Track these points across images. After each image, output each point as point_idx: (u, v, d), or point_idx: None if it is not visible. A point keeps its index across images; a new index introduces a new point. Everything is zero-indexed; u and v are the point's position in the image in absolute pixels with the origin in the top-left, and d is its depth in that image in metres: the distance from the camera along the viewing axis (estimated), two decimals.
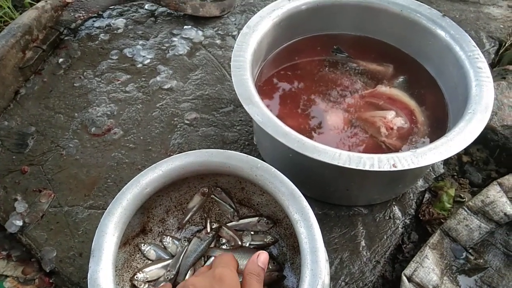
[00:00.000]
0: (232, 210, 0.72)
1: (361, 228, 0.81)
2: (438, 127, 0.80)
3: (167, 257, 0.70)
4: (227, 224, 0.73)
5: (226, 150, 0.65)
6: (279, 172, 0.62)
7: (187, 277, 0.67)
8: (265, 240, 0.71)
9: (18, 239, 0.83)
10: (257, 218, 0.72)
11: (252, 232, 0.72)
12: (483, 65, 0.77)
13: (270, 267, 0.67)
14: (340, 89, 0.86)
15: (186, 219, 0.72)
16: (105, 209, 0.60)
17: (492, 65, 1.10)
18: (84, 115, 0.99)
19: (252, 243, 0.71)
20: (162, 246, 0.71)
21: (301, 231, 0.57)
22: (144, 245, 0.69)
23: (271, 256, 0.71)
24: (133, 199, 0.61)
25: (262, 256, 0.52)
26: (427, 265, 0.76)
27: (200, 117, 0.98)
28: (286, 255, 0.71)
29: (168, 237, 0.71)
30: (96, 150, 0.93)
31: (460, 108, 0.74)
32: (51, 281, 0.80)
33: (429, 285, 0.74)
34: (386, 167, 0.63)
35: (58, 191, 0.87)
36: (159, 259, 0.69)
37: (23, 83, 1.05)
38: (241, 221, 0.72)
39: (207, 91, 1.03)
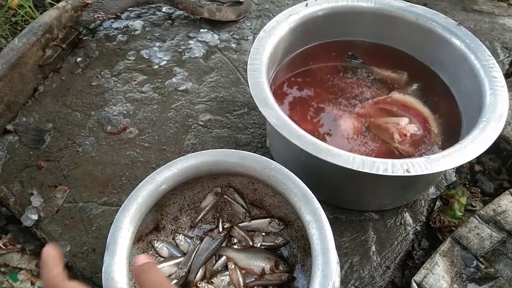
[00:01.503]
0: (244, 210, 0.73)
1: (372, 233, 0.81)
2: (452, 135, 0.80)
3: (179, 255, 0.71)
4: (239, 224, 0.73)
5: (240, 151, 0.66)
6: (292, 174, 0.63)
7: (198, 275, 0.68)
8: (276, 241, 0.72)
9: (33, 232, 0.84)
10: (268, 219, 0.73)
11: (263, 233, 0.73)
12: (498, 74, 0.77)
13: (281, 268, 0.68)
14: (354, 95, 0.87)
15: (199, 218, 0.73)
16: (119, 206, 0.61)
17: (506, 76, 1.10)
18: (101, 113, 1.01)
19: (263, 243, 0.72)
20: (175, 244, 0.72)
21: (312, 232, 0.57)
22: (157, 242, 0.70)
23: (282, 257, 0.71)
24: (148, 195, 0.63)
25: (136, 259, 0.46)
26: (437, 272, 0.76)
27: (214, 119, 0.99)
28: (297, 257, 0.71)
29: (181, 235, 0.72)
30: (112, 148, 0.95)
31: (474, 117, 0.75)
32: None
33: None
34: (400, 172, 0.63)
35: (73, 187, 0.89)
36: (171, 257, 0.70)
37: (42, 80, 1.07)
38: (253, 221, 0.73)
39: (221, 94, 1.04)
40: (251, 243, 0.71)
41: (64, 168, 0.92)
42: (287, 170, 0.63)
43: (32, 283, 0.81)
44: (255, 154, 0.65)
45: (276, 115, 0.71)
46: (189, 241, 0.72)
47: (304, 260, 0.70)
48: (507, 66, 1.13)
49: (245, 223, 0.74)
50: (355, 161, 0.64)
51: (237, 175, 0.69)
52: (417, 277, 0.75)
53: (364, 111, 0.84)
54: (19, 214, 0.86)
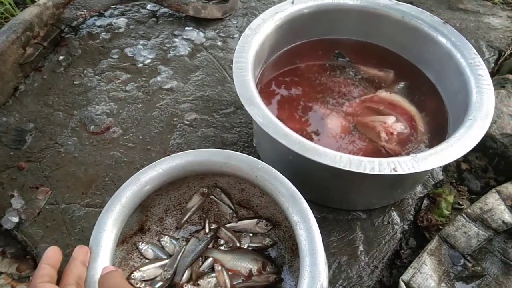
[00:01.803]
0: (231, 211, 0.72)
1: (360, 232, 0.81)
2: (438, 133, 0.80)
3: (164, 257, 0.69)
4: (226, 225, 0.72)
5: (226, 150, 0.65)
6: (279, 174, 0.62)
7: (184, 277, 0.67)
8: (263, 242, 0.71)
9: (14, 235, 0.82)
10: (256, 220, 0.72)
11: (250, 234, 0.72)
12: (484, 72, 0.77)
13: (268, 269, 0.67)
14: (341, 94, 0.86)
15: (185, 219, 0.72)
16: (103, 208, 0.60)
17: (491, 74, 1.11)
18: (83, 113, 0.99)
19: (250, 244, 0.71)
20: (160, 246, 0.70)
21: (300, 233, 0.56)
22: (141, 244, 0.69)
23: (269, 258, 0.70)
24: (132, 196, 0.61)
25: (103, 270, 0.50)
26: (425, 271, 0.76)
27: (200, 118, 0.98)
28: (284, 258, 0.70)
29: (166, 236, 0.71)
30: (95, 148, 0.93)
31: (460, 115, 0.75)
32: None
33: None
34: (387, 171, 0.63)
35: (55, 188, 0.87)
36: (156, 258, 0.69)
37: (22, 79, 1.05)
38: (240, 222, 0.72)
39: (207, 92, 1.03)
40: (238, 244, 0.70)
41: (45, 169, 0.89)
42: (275, 170, 0.62)
43: (13, 287, 0.79)
44: (241, 153, 0.64)
45: (262, 113, 0.70)
46: (175, 242, 0.71)
47: (292, 261, 0.69)
48: (493, 65, 1.13)
49: (232, 224, 0.72)
50: (342, 160, 0.64)
51: (224, 175, 0.68)
52: (405, 277, 0.75)
53: (351, 110, 0.84)
54: None
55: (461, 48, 0.81)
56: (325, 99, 0.85)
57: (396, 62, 0.92)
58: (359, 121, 0.82)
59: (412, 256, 0.82)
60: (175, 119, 0.98)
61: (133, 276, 0.64)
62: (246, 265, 0.67)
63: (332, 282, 0.75)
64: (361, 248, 0.79)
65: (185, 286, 0.65)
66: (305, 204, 0.58)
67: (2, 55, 0.97)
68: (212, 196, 0.72)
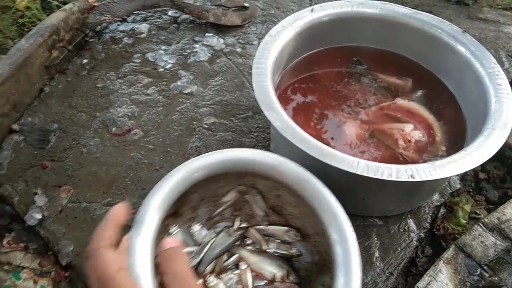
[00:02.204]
0: (263, 214, 0.72)
1: (376, 239, 0.81)
2: (456, 142, 0.80)
3: (192, 244, 0.70)
4: (256, 227, 0.73)
5: (280, 156, 0.65)
6: (325, 189, 0.62)
7: (208, 268, 0.68)
8: (290, 251, 0.71)
9: (37, 232, 0.84)
10: (286, 228, 0.72)
11: (278, 240, 0.72)
12: (504, 82, 0.77)
13: (292, 279, 0.67)
14: (359, 101, 0.87)
15: (218, 211, 0.72)
16: None
17: (511, 84, 1.10)
18: (106, 115, 1.01)
19: (276, 251, 0.71)
20: (190, 233, 0.71)
21: (338, 252, 0.57)
22: (173, 228, 0.69)
23: (293, 268, 0.70)
24: (183, 179, 0.62)
25: (163, 243, 0.44)
26: (441, 280, 0.76)
27: (218, 122, 1.00)
28: (308, 271, 0.70)
29: (197, 225, 0.72)
30: (116, 150, 0.95)
31: (478, 124, 0.75)
32: (66, 274, 0.81)
33: None
34: (404, 178, 0.63)
35: (77, 187, 0.89)
36: (184, 245, 0.70)
37: (47, 81, 1.08)
38: (270, 227, 0.72)
39: (226, 97, 1.05)
40: (264, 248, 0.71)
41: (68, 169, 0.92)
42: (322, 185, 0.62)
43: (35, 282, 0.81)
44: (294, 162, 0.64)
45: (280, 118, 0.71)
46: (204, 233, 0.71)
47: (314, 276, 0.68)
48: None
49: (262, 227, 0.73)
50: (360, 166, 0.64)
51: (264, 178, 0.68)
52: (421, 284, 0.75)
53: (369, 117, 0.84)
54: (23, 213, 0.86)
55: (480, 57, 0.81)
56: (343, 106, 0.86)
57: (415, 71, 0.92)
58: (377, 128, 0.82)
59: (427, 264, 0.81)
60: (194, 122, 1.00)
61: None
62: (271, 269, 0.67)
63: None
64: (376, 254, 0.79)
65: (208, 276, 0.65)
66: (347, 226, 0.59)
67: (29, 58, 1.00)
68: (247, 196, 0.72)
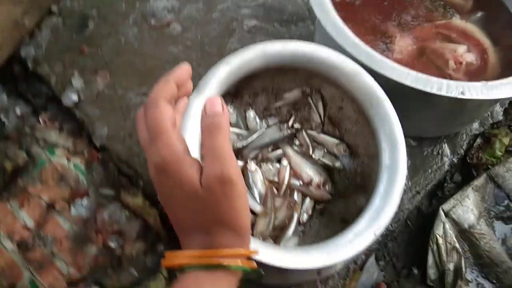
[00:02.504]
0: (320, 121, 0.72)
1: (407, 158, 0.80)
2: (510, 70, 0.76)
3: (243, 127, 0.71)
4: (308, 131, 0.73)
5: (359, 66, 0.62)
6: (394, 114, 0.60)
7: (252, 154, 0.69)
8: (334, 163, 0.71)
9: (72, 113, 0.86)
10: (338, 141, 0.71)
11: (325, 150, 0.72)
12: None
13: (327, 188, 0.68)
14: (414, 15, 0.82)
15: (277, 105, 0.72)
16: None
17: None
18: (146, 6, 0.98)
19: (321, 159, 0.71)
20: (244, 116, 0.72)
21: (384, 177, 0.57)
22: (230, 106, 0.70)
23: (332, 180, 0.71)
24: (250, 60, 0.62)
25: (208, 103, 0.38)
26: (467, 205, 0.76)
27: (259, 25, 0.96)
28: (345, 186, 0.70)
29: (253, 111, 0.72)
30: (154, 42, 0.93)
31: None
32: (99, 156, 0.84)
33: (464, 224, 0.75)
34: (454, 93, 0.61)
35: (114, 75, 0.89)
36: (236, 125, 0.71)
37: None
38: (322, 135, 0.72)
39: (270, 0, 1.00)
40: (310, 153, 0.71)
41: (106, 55, 0.91)
42: (392, 109, 0.61)
43: (68, 160, 0.84)
44: (371, 78, 0.61)
45: (331, 22, 0.68)
46: (258, 121, 0.72)
47: (349, 194, 0.69)
48: None
49: (314, 132, 0.72)
50: (409, 77, 0.62)
51: (333, 85, 0.66)
52: (446, 206, 0.75)
53: (422, 33, 0.80)
54: (60, 94, 0.87)
55: None
56: (397, 19, 0.81)
57: None
58: (429, 46, 0.78)
59: (455, 190, 0.82)
60: (234, 23, 0.96)
61: None
62: (310, 173, 0.68)
63: None
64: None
65: (250, 161, 0.67)
66: (403, 155, 0.58)
67: None
68: (310, 98, 0.71)
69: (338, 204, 0.69)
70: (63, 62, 0.91)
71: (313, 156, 0.71)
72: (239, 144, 0.68)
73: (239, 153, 0.69)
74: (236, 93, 0.71)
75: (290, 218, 0.66)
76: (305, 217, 0.68)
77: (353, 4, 0.83)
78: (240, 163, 0.68)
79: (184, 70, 0.42)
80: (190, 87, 0.43)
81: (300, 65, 0.64)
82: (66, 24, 0.96)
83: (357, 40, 0.65)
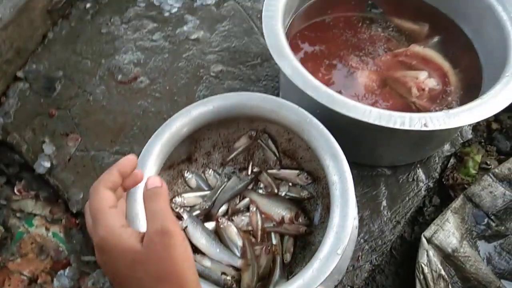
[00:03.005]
0: (275, 158, 0.73)
1: (384, 188, 0.81)
2: (471, 90, 0.78)
3: (206, 188, 0.72)
4: (268, 171, 0.73)
5: (280, 99, 0.64)
6: (326, 130, 0.61)
7: (220, 210, 0.70)
8: (301, 194, 0.72)
9: (46, 180, 0.85)
10: (298, 171, 0.72)
11: (290, 184, 0.73)
12: None
13: (301, 221, 0.68)
14: (372, 47, 0.84)
15: (231, 157, 0.73)
16: None
17: None
18: (111, 62, 0.99)
19: (288, 194, 0.72)
20: (204, 177, 0.73)
21: (335, 193, 0.57)
22: (187, 173, 0.72)
23: (304, 210, 0.71)
24: (181, 127, 0.63)
25: (148, 181, 0.42)
26: (448, 229, 0.76)
27: (226, 70, 0.97)
28: (318, 213, 0.71)
29: (211, 170, 0.73)
30: (123, 98, 0.94)
31: (496, 72, 0.72)
32: (77, 221, 0.83)
33: (448, 248, 0.75)
34: (417, 126, 0.62)
35: (85, 135, 0.89)
36: (198, 189, 0.72)
37: (51, 27, 1.05)
38: (282, 171, 0.73)
39: (234, 44, 1.01)
40: (276, 191, 0.72)
41: (75, 117, 0.91)
42: (323, 126, 0.61)
43: (47, 229, 0.83)
44: (294, 104, 0.63)
45: (291, 65, 0.68)
46: (218, 177, 0.73)
47: (325, 218, 0.70)
48: None
49: (274, 171, 0.74)
50: (372, 115, 0.63)
51: (274, 123, 0.68)
52: (427, 233, 0.75)
53: (382, 64, 0.81)
54: (32, 162, 0.86)
55: (503, 1, 0.77)
56: (356, 53, 0.83)
57: (432, 15, 0.87)
58: (390, 76, 0.80)
59: (435, 214, 0.82)
60: (201, 70, 0.97)
61: (174, 200, 0.68)
62: (280, 211, 0.69)
63: None
64: (384, 203, 0.80)
65: (220, 219, 0.67)
66: (346, 166, 0.58)
67: (31, 1, 0.96)
68: (259, 141, 0.73)
69: (321, 232, 0.69)
70: (32, 128, 0.90)
71: (280, 193, 0.72)
72: (206, 205, 0.69)
73: (208, 214, 0.69)
74: (189, 158, 0.72)
75: (274, 263, 0.66)
76: (288, 256, 0.68)
77: (311, 44, 0.84)
78: (212, 223, 0.68)
79: (127, 160, 0.44)
80: (139, 176, 0.46)
81: (239, 114, 0.66)
82: (33, 88, 0.96)
83: (317, 82, 0.66)
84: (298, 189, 0.72)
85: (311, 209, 0.72)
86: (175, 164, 0.70)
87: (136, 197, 0.55)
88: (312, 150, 0.63)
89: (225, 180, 0.72)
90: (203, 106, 0.64)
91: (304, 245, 0.70)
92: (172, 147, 0.62)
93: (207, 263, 0.64)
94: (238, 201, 0.71)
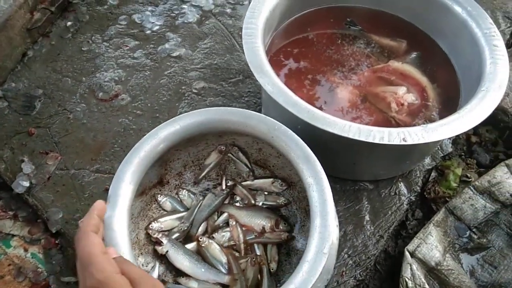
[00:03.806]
0: (247, 169, 0.73)
1: (366, 203, 0.81)
2: (449, 105, 0.79)
3: (182, 210, 0.71)
4: (242, 183, 0.73)
5: (246, 110, 0.64)
6: (295, 135, 0.62)
7: (200, 230, 0.69)
8: (278, 201, 0.72)
9: (25, 199, 0.83)
10: (272, 179, 0.73)
11: (266, 193, 0.73)
12: (499, 43, 0.75)
13: (281, 227, 0.68)
14: (352, 63, 0.85)
15: (203, 174, 0.73)
16: (112, 174, 0.61)
17: (507, 46, 1.08)
18: (92, 79, 0.98)
19: (265, 203, 0.72)
20: (178, 199, 0.73)
21: (313, 194, 0.57)
22: (160, 196, 0.71)
23: (282, 217, 0.72)
24: (150, 151, 0.62)
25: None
26: (430, 242, 0.77)
27: (208, 87, 0.97)
28: (297, 217, 0.72)
29: (184, 190, 0.73)
30: (103, 115, 0.93)
31: (472, 86, 0.73)
32: (56, 241, 0.81)
33: (431, 262, 0.75)
34: (396, 141, 0.62)
35: (65, 154, 0.87)
36: (174, 211, 0.71)
37: (30, 45, 1.04)
38: (256, 181, 0.73)
39: (215, 61, 1.02)
40: (253, 202, 0.71)
41: (55, 135, 0.90)
42: (291, 132, 0.62)
43: (25, 250, 0.81)
44: (260, 114, 0.64)
45: (271, 82, 0.69)
46: (192, 196, 0.73)
47: (304, 221, 0.70)
48: (508, 36, 1.10)
49: (248, 182, 0.73)
50: (351, 130, 0.63)
51: (242, 134, 0.68)
52: (410, 247, 0.76)
53: (362, 80, 0.82)
54: (10, 181, 0.84)
55: (477, 18, 0.79)
56: (336, 69, 0.84)
57: (409, 32, 0.89)
58: (370, 91, 0.81)
59: (418, 227, 0.82)
60: (183, 87, 0.97)
61: (151, 226, 0.67)
62: (260, 221, 0.69)
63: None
64: (367, 218, 0.80)
65: (201, 238, 0.66)
66: (319, 167, 0.59)
67: (9, 20, 0.96)
68: (230, 154, 0.73)
69: (303, 236, 0.70)
70: (11, 147, 0.89)
71: (257, 203, 0.72)
72: (184, 227, 0.68)
73: (188, 235, 0.69)
74: (161, 181, 0.72)
75: (261, 273, 0.66)
76: (274, 265, 0.68)
77: (293, 60, 0.85)
78: (193, 244, 0.67)
79: (101, 204, 0.52)
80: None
81: (207, 130, 0.66)
82: (12, 107, 0.95)
83: (297, 98, 0.67)
84: (274, 197, 0.73)
85: (290, 215, 0.73)
86: (147, 189, 0.69)
87: (113, 226, 0.54)
88: (284, 157, 0.63)
89: (201, 198, 0.72)
90: (170, 126, 0.63)
91: (288, 251, 0.70)
92: (143, 172, 0.61)
93: (193, 284, 0.64)
94: (216, 218, 0.71)
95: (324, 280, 0.65)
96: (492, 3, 1.17)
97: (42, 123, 0.92)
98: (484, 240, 0.79)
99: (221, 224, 0.70)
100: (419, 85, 0.82)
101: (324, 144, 0.73)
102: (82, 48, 1.04)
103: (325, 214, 0.55)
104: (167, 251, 0.64)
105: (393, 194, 0.82)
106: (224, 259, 0.65)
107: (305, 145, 0.61)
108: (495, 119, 0.93)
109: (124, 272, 0.43)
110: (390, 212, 0.80)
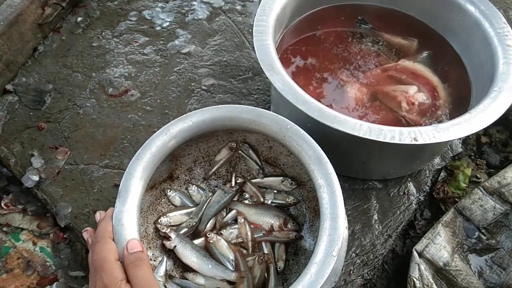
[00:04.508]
0: (257, 167, 0.73)
1: (375, 202, 0.81)
2: (460, 105, 0.79)
3: (191, 205, 0.71)
4: (252, 180, 0.73)
5: (257, 108, 0.64)
6: (308, 135, 0.61)
7: (208, 226, 0.69)
8: (287, 200, 0.72)
9: (34, 194, 0.84)
10: (281, 178, 0.72)
11: (275, 191, 0.73)
12: None
13: (290, 226, 0.68)
14: (362, 61, 0.85)
15: (213, 170, 0.73)
16: (121, 169, 0.61)
17: None
18: (102, 75, 0.99)
19: (274, 201, 0.72)
20: (187, 194, 0.73)
21: (323, 196, 0.57)
22: (170, 191, 0.71)
23: (291, 216, 0.71)
24: (162, 146, 0.62)
25: (129, 244, 0.51)
26: (439, 242, 0.76)
27: (217, 84, 0.97)
28: (306, 217, 0.71)
29: (194, 186, 0.73)
30: (113, 111, 0.93)
31: (484, 86, 0.73)
32: (65, 236, 0.82)
33: (439, 262, 0.75)
34: (407, 140, 0.62)
35: (74, 149, 0.88)
36: (183, 206, 0.71)
37: (41, 40, 1.05)
38: (266, 179, 0.73)
39: (225, 58, 1.02)
40: (262, 200, 0.71)
41: (64, 130, 0.90)
42: (304, 132, 0.62)
43: (34, 243, 0.82)
44: (272, 112, 0.63)
45: (282, 79, 0.69)
46: (202, 192, 0.73)
47: (313, 221, 0.70)
48: None
49: (257, 180, 0.73)
50: (362, 128, 0.63)
51: (253, 132, 0.68)
52: (418, 247, 0.75)
53: (372, 79, 0.82)
54: (20, 175, 0.85)
55: (490, 17, 0.78)
56: (346, 67, 0.84)
57: (421, 31, 0.89)
58: (380, 90, 0.80)
59: (426, 227, 0.82)
60: (192, 84, 0.97)
61: (160, 221, 0.67)
62: (268, 220, 0.68)
63: None
64: (375, 217, 0.79)
65: (209, 234, 0.66)
66: (331, 169, 0.59)
67: (21, 15, 0.96)
68: (240, 151, 0.73)
69: (311, 236, 0.70)
70: (21, 141, 0.89)
71: (266, 201, 0.72)
72: (193, 222, 0.68)
73: (196, 231, 0.69)
74: (171, 176, 0.72)
75: (268, 272, 0.66)
76: (281, 264, 0.68)
77: (303, 58, 0.85)
78: (201, 240, 0.67)
79: (110, 212, 0.55)
80: None
81: (218, 127, 0.66)
82: (22, 101, 0.95)
83: (307, 96, 0.66)
84: (283, 196, 0.72)
85: (299, 214, 0.72)
86: (157, 184, 0.69)
87: (123, 221, 0.55)
88: (294, 156, 0.63)
89: (210, 194, 0.72)
90: (182, 122, 0.64)
91: (296, 250, 0.70)
92: (154, 168, 0.62)
93: (200, 280, 0.64)
94: (225, 214, 0.71)
95: (332, 282, 0.65)
96: (505, 2, 1.16)
97: (52, 118, 0.92)
98: (493, 241, 0.79)
99: (229, 221, 0.70)
100: (430, 85, 0.82)
101: (334, 143, 0.73)
102: (92, 44, 1.05)
103: (335, 217, 0.55)
104: (175, 246, 0.64)
105: (402, 193, 0.82)
106: (231, 256, 0.65)
107: (317, 145, 0.61)
108: (506, 120, 0.92)
109: (131, 279, 0.46)
110: (398, 212, 0.80)
